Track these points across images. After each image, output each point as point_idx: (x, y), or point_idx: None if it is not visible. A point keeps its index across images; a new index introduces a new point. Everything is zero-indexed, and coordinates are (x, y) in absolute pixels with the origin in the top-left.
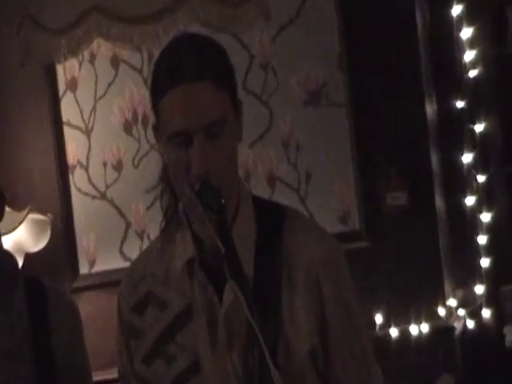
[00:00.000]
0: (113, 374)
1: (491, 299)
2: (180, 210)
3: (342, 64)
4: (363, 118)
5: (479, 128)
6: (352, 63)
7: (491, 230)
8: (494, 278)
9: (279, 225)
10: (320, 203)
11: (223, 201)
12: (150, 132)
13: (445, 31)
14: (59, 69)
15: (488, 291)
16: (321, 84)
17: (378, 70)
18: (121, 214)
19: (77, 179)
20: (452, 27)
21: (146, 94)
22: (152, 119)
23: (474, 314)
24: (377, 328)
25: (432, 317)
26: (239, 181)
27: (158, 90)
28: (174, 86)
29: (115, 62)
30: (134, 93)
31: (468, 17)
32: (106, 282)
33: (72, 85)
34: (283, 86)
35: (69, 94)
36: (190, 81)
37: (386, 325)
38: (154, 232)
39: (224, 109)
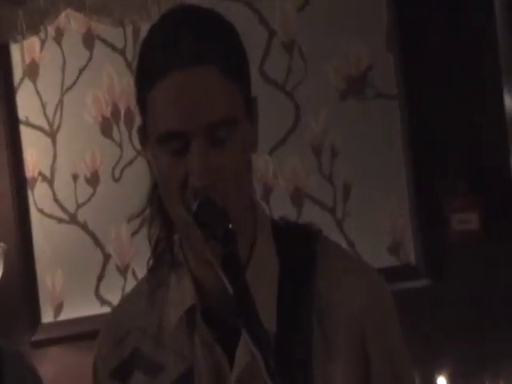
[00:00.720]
0: None
1: None
2: (175, 242)
3: (391, 42)
4: (420, 113)
5: None
6: (405, 41)
7: None
8: None
9: (310, 260)
10: (363, 228)
11: (231, 226)
12: (135, 134)
13: None
14: (14, 50)
15: None
16: (364, 69)
17: (440, 50)
18: (97, 242)
19: (38, 197)
20: None
21: (130, 82)
22: (138, 117)
23: None
24: None
25: None
26: (254, 200)
27: (145, 77)
28: (168, 73)
29: (89, 40)
30: (114, 81)
31: None
32: (77, 334)
33: (32, 71)
34: (313, 72)
35: (27, 83)
36: (189, 65)
37: None
38: (141, 267)
39: (234, 104)
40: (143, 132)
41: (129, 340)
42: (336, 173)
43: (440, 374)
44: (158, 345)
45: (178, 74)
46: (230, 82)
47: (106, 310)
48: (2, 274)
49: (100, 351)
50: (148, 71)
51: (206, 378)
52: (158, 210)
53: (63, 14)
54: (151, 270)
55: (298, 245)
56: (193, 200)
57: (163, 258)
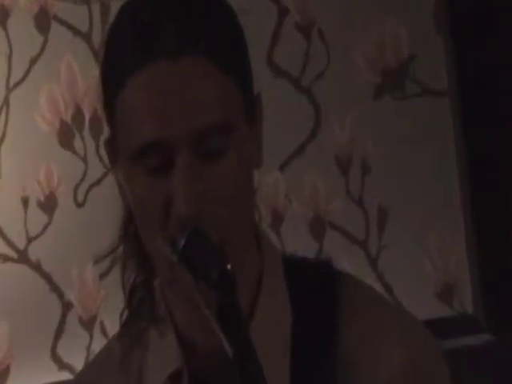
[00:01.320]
0: None
1: None
2: (155, 288)
3: (440, 22)
4: (479, 115)
5: None
6: (458, 21)
7: None
8: None
9: (332, 308)
10: (403, 267)
11: (229, 266)
12: (103, 141)
13: None
14: None
15: None
16: (404, 58)
17: (504, 33)
18: (54, 287)
19: None
20: None
21: (95, 73)
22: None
23: None
24: None
25: None
26: (259, 231)
27: (114, 72)
28: (144, 66)
29: (43, 21)
30: (76, 75)
31: None
32: None
33: None
34: (338, 61)
35: None
36: (171, 55)
37: None
38: (111, 320)
39: (229, 105)
40: (112, 146)
41: None
42: (368, 194)
43: None
44: None
45: (157, 68)
46: (224, 77)
47: (66, 376)
48: None
49: None
50: (117, 65)
51: None
52: (133, 246)
53: None
54: (125, 325)
55: (316, 289)
56: (178, 233)
57: (140, 310)
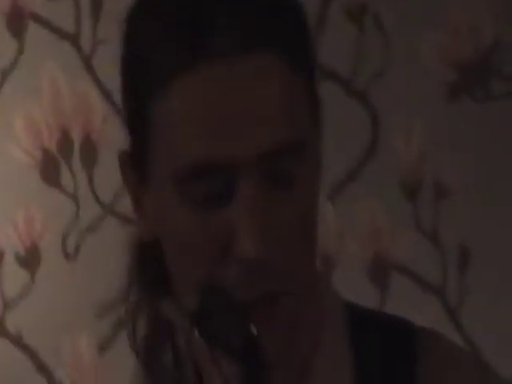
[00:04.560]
0: None
1: None
2: (181, 348)
3: None
4: None
5: None
6: None
7: None
8: None
9: (405, 367)
10: (491, 320)
11: (254, 329)
12: (98, 174)
13: None
14: None
15: None
16: (486, 49)
17: None
18: (40, 365)
19: None
20: None
21: (86, 88)
22: (103, 150)
23: None
24: None
25: None
26: (320, 277)
27: (147, 76)
28: (196, 65)
29: (18, 21)
30: (61, 89)
31: None
32: None
33: None
34: (400, 55)
35: None
36: (231, 52)
37: None
38: None
39: (303, 116)
40: (136, 162)
41: None
42: (445, 227)
43: None
44: None
45: (213, 68)
46: (297, 79)
47: None
48: None
49: None
50: (152, 66)
51: None
52: (144, 295)
53: None
54: None
55: (390, 344)
56: (240, 281)
57: (160, 379)
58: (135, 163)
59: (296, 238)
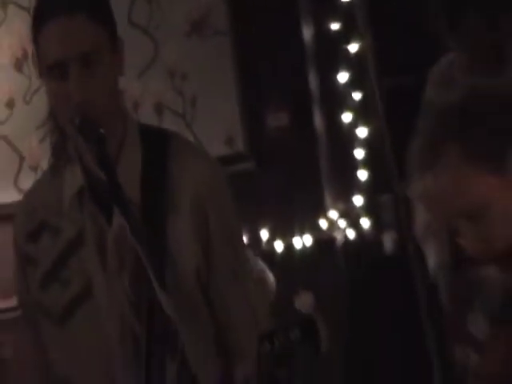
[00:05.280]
0: (13, 302)
1: (369, 209)
2: (68, 145)
3: None
4: (245, 45)
5: (354, 48)
6: None
7: (368, 143)
8: (371, 189)
9: (164, 151)
10: (205, 128)
11: (102, 131)
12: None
13: None
14: None
15: (366, 202)
16: (203, 13)
17: None
18: (15, 149)
19: None
20: None
21: None
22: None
23: (354, 224)
24: (263, 244)
25: (315, 229)
26: (125, 111)
27: (37, 22)
28: (51, 18)
29: (4, 5)
30: (22, 32)
31: None
32: (1, 215)
33: None
34: (168, 17)
35: None
36: (66, 12)
37: (271, 239)
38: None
39: (99, 41)
40: (38, 63)
41: (37, 213)
42: (186, 90)
43: (263, 228)
44: (58, 215)
45: (59, 20)
46: (96, 25)
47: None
48: None
49: (17, 221)
50: (38, 18)
51: (92, 238)
52: (54, 124)
53: None
54: (52, 165)
55: (156, 139)
56: (75, 115)
57: (61, 156)
58: (37, 63)
59: (103, 94)
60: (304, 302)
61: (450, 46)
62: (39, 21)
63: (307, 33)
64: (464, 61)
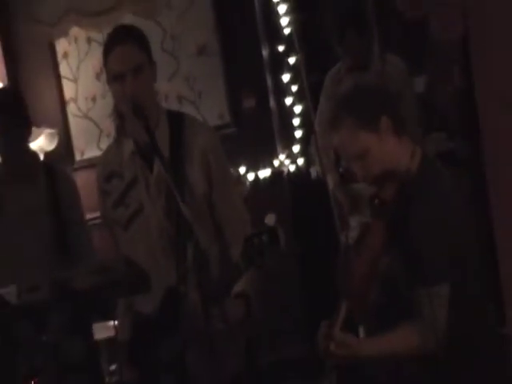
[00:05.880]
0: (97, 214)
1: (303, 154)
2: (126, 127)
3: None
4: (230, 62)
5: (292, 60)
6: None
7: (301, 115)
8: (304, 142)
9: (182, 125)
10: (207, 109)
11: (146, 112)
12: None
13: None
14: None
15: (301, 149)
16: (204, 43)
17: None
18: (97, 125)
19: (71, 108)
20: None
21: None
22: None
23: (294, 162)
24: (241, 175)
25: (271, 166)
26: (158, 102)
27: (106, 50)
28: (114, 47)
29: (89, 41)
30: (99, 56)
31: None
32: (90, 165)
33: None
34: (184, 45)
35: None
36: (122, 42)
37: (246, 173)
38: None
39: (142, 60)
40: (106, 77)
41: (109, 165)
42: (196, 88)
43: (241, 166)
44: (121, 167)
45: (118, 48)
46: (141, 51)
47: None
48: (57, 142)
49: (98, 170)
50: (106, 48)
51: (142, 179)
52: (117, 112)
53: (75, 28)
54: (116, 138)
55: (177, 118)
56: (130, 104)
57: (121, 132)
58: (106, 77)
59: (147, 92)
60: (270, 219)
61: (340, 55)
62: (107, 49)
63: (265, 51)
64: (346, 64)
